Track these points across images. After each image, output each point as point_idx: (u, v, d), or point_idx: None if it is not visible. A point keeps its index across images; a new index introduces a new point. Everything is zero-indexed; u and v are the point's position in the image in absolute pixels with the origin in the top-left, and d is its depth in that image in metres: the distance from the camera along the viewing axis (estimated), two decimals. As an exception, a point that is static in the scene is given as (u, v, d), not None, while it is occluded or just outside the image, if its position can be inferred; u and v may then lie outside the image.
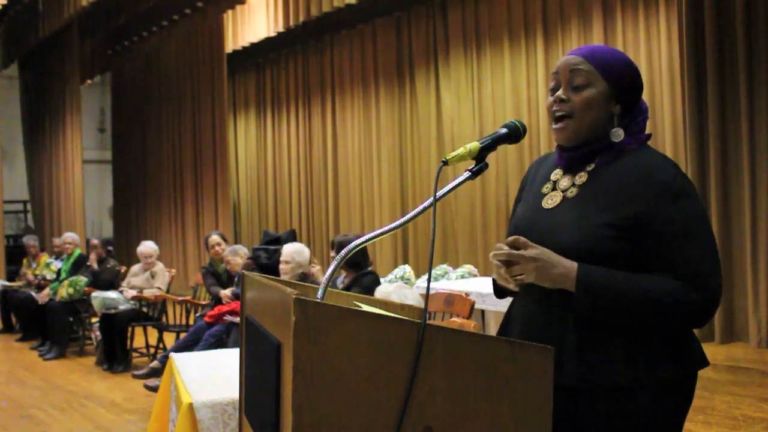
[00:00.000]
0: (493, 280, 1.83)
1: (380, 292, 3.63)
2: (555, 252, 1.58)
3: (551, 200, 1.69)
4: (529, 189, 1.80)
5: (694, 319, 1.57)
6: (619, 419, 1.57)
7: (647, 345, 1.57)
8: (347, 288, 4.47)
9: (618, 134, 1.65)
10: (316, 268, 5.62)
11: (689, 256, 1.55)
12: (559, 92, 1.67)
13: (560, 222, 1.63)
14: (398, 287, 3.74)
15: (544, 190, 1.73)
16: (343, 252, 1.52)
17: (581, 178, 1.67)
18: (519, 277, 1.60)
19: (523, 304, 1.72)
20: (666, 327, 1.57)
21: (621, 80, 1.66)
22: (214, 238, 6.87)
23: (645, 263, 1.58)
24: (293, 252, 4.91)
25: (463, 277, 6.79)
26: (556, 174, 1.73)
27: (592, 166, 1.67)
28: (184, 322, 6.98)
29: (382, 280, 6.03)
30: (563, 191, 1.69)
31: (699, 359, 1.64)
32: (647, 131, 1.72)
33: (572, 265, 1.55)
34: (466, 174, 1.63)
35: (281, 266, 4.92)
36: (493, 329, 5.57)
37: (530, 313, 1.67)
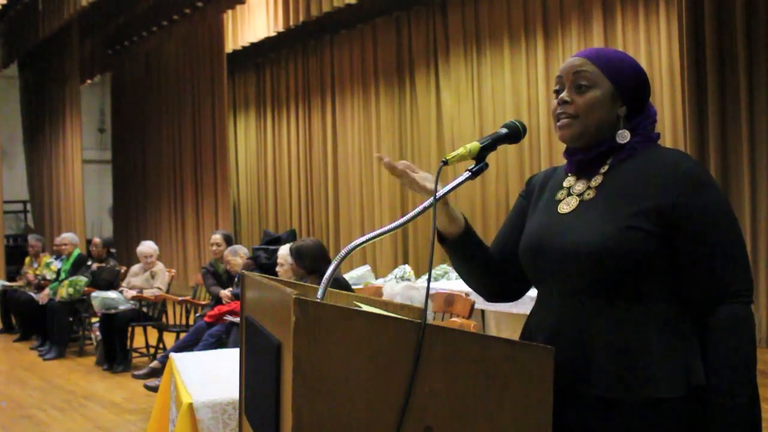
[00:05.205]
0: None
1: (386, 293, 3.62)
2: (574, 254, 1.55)
3: (567, 205, 1.64)
4: (537, 200, 1.74)
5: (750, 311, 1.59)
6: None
7: (685, 350, 1.51)
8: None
9: (624, 135, 1.61)
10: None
11: (718, 263, 1.56)
12: (563, 94, 1.63)
13: (579, 224, 1.58)
14: (405, 288, 3.74)
15: (559, 196, 1.68)
16: (343, 252, 1.52)
17: (596, 180, 1.63)
18: None
19: (544, 314, 1.64)
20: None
21: (626, 80, 1.62)
22: (215, 237, 6.87)
23: (669, 258, 1.53)
24: (287, 254, 4.87)
25: (463, 277, 6.77)
26: (569, 181, 1.68)
27: (606, 167, 1.63)
28: (184, 322, 6.99)
29: (382, 280, 6.02)
30: (579, 195, 1.64)
31: None
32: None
33: None
34: (466, 174, 1.61)
35: (277, 268, 4.90)
36: (493, 329, 5.56)
37: (554, 323, 1.60)
